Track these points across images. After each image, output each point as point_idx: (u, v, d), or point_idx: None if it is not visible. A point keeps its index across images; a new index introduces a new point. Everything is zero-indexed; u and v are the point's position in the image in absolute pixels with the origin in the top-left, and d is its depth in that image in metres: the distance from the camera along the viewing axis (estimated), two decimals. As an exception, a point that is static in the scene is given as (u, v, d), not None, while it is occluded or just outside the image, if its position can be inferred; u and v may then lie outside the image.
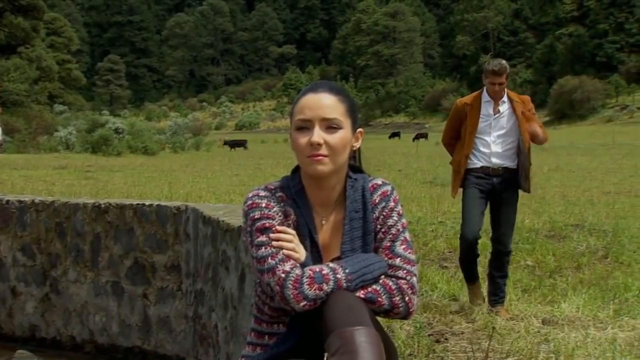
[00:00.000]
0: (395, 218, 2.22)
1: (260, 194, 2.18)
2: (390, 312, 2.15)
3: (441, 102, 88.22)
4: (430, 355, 3.84)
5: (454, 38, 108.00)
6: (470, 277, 5.17)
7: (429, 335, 4.23)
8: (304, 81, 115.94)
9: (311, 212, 2.20)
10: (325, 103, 2.12)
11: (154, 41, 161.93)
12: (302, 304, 2.04)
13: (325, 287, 2.05)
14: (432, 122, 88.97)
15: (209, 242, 5.09)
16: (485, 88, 5.17)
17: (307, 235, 2.18)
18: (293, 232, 2.14)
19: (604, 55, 79.84)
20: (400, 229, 2.22)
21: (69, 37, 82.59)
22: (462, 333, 4.39)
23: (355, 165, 2.29)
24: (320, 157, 2.08)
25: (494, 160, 5.07)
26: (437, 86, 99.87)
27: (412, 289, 2.16)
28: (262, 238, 2.12)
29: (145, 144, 34.41)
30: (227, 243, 4.58)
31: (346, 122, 2.14)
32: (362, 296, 2.10)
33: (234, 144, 44.94)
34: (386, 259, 2.18)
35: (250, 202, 2.17)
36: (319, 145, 2.08)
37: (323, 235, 2.21)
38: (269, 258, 2.09)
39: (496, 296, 5.11)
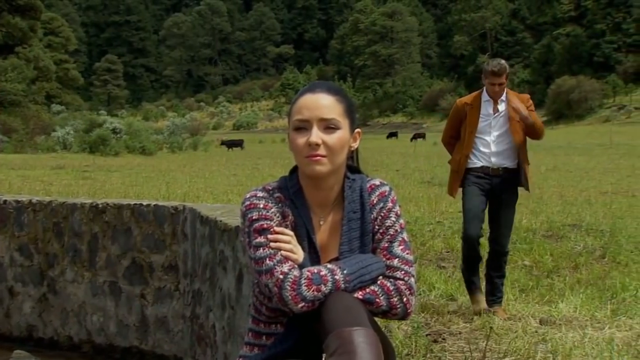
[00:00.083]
0: (393, 219, 2.22)
1: (258, 195, 2.17)
2: (388, 313, 2.15)
3: (439, 102, 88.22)
4: (428, 355, 3.84)
5: (451, 38, 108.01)
6: (472, 285, 5.10)
7: (426, 335, 4.23)
8: (301, 81, 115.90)
9: (309, 212, 2.20)
10: (323, 103, 2.12)
11: (152, 41, 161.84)
12: (300, 305, 2.04)
13: (323, 288, 2.04)
14: (429, 122, 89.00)
15: (206, 242, 5.09)
16: (485, 88, 5.16)
17: (305, 236, 2.17)
18: (291, 233, 2.14)
19: (602, 55, 79.89)
20: (398, 230, 2.22)
21: (66, 37, 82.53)
22: (460, 333, 4.39)
23: (353, 166, 2.29)
24: (318, 158, 2.08)
25: (494, 160, 5.05)
26: (434, 86, 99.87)
27: (410, 290, 2.16)
28: (260, 239, 2.11)
29: (142, 144, 34.40)
30: (224, 243, 4.58)
31: (344, 123, 2.14)
32: (360, 297, 2.09)
33: (231, 144, 44.95)
34: (384, 259, 2.18)
35: (248, 202, 2.17)
36: (317, 145, 2.07)
37: (321, 235, 2.21)
38: (267, 259, 2.09)
39: (494, 296, 5.11)
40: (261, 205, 2.15)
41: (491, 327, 4.37)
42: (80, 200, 6.51)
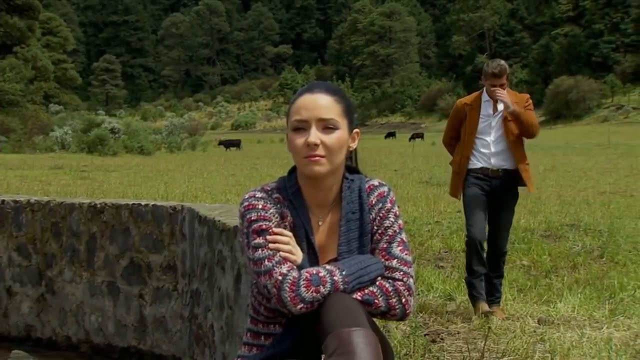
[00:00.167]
0: (392, 219, 2.22)
1: (257, 196, 2.17)
2: (387, 314, 2.15)
3: (437, 102, 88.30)
4: (426, 355, 3.85)
5: (450, 38, 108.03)
6: (476, 297, 4.93)
7: (425, 335, 4.24)
8: (300, 81, 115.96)
9: (307, 213, 2.19)
10: (321, 103, 2.12)
11: (150, 41, 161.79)
12: (299, 306, 2.04)
13: (322, 289, 2.04)
14: (428, 122, 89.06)
15: (205, 242, 5.09)
16: (485, 88, 5.13)
17: (304, 237, 2.17)
18: (290, 234, 2.14)
19: (600, 55, 79.96)
20: (397, 230, 2.21)
21: (64, 36, 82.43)
22: (458, 333, 4.39)
23: (351, 166, 2.28)
24: (317, 158, 2.08)
25: (493, 161, 5.01)
26: (433, 86, 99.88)
27: (408, 291, 2.16)
28: (259, 240, 2.11)
29: (141, 144, 34.36)
30: (223, 243, 4.58)
31: (343, 123, 2.14)
32: (359, 298, 2.09)
33: (228, 144, 44.94)
34: (383, 260, 2.18)
35: (246, 203, 2.17)
36: (316, 145, 2.07)
37: (319, 236, 2.21)
38: (266, 260, 2.09)
39: (492, 296, 5.10)
40: (260, 206, 2.14)
41: (489, 327, 4.37)
42: (78, 200, 6.51)
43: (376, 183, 2.26)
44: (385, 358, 1.99)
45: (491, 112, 5.07)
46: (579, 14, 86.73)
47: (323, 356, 1.94)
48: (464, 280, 5.38)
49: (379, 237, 2.21)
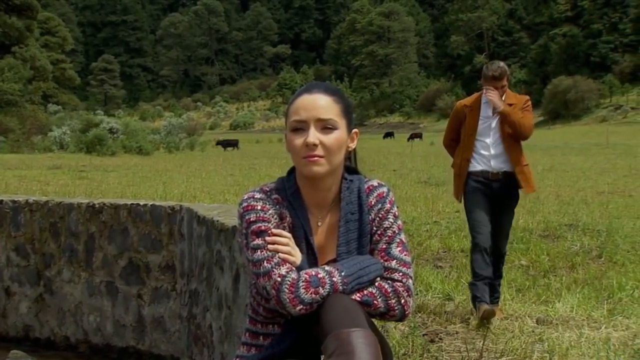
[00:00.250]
0: (391, 220, 2.22)
1: (256, 196, 2.17)
2: (386, 315, 2.15)
3: (436, 102, 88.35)
4: (425, 355, 3.85)
5: (448, 38, 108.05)
6: (479, 297, 4.79)
7: (423, 335, 4.24)
8: (298, 81, 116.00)
9: (306, 213, 2.19)
10: (320, 104, 2.11)
11: (148, 41, 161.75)
12: (298, 308, 2.03)
13: (321, 290, 2.04)
14: (426, 122, 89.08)
15: (203, 242, 5.09)
16: (484, 90, 5.09)
17: (303, 238, 2.17)
18: (289, 235, 2.13)
19: (598, 55, 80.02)
20: (396, 231, 2.21)
21: (63, 36, 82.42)
22: (457, 333, 4.40)
23: (350, 166, 2.28)
24: (316, 158, 2.08)
25: (493, 163, 4.96)
26: (431, 86, 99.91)
27: (408, 292, 2.16)
28: (258, 241, 2.11)
29: (139, 144, 34.34)
30: (221, 243, 4.58)
31: (341, 123, 2.14)
32: (358, 299, 2.09)
33: (226, 144, 44.94)
34: (382, 261, 2.18)
35: (245, 204, 2.16)
36: (315, 145, 2.07)
37: (318, 237, 2.21)
38: (265, 261, 2.09)
39: (491, 296, 5.09)
40: (259, 207, 2.14)
41: (488, 327, 4.37)
42: (77, 200, 6.50)
43: (375, 183, 2.25)
44: (384, 358, 1.99)
45: (491, 113, 5.03)
46: (578, 14, 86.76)
47: (322, 356, 1.94)
48: (463, 281, 5.38)
49: (378, 238, 2.21)
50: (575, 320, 4.66)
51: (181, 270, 5.71)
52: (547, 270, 6.63)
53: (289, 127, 2.14)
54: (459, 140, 5.19)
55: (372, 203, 2.22)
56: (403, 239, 2.22)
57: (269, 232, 2.11)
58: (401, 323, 4.22)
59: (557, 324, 4.56)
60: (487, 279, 4.83)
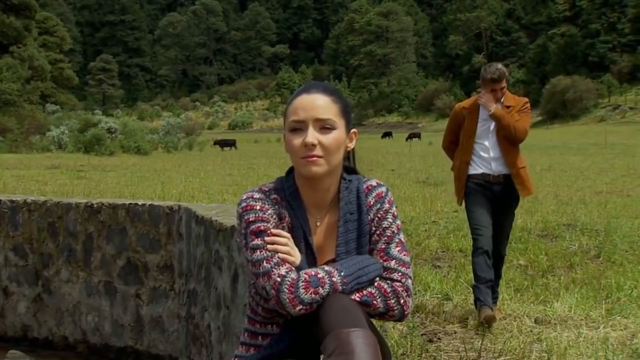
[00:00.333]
0: (390, 220, 2.22)
1: (255, 196, 2.17)
2: (385, 315, 2.15)
3: (434, 102, 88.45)
4: (423, 355, 3.85)
5: (446, 38, 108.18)
6: (482, 299, 4.70)
7: (422, 334, 4.24)
8: (297, 81, 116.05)
9: (305, 214, 2.19)
10: (318, 104, 2.11)
11: (147, 41, 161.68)
12: (298, 308, 2.03)
13: (321, 290, 2.04)
14: (425, 121, 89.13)
15: (201, 242, 5.08)
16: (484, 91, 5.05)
17: (302, 238, 2.17)
18: (288, 235, 2.13)
19: (596, 55, 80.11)
20: (395, 231, 2.21)
21: (61, 36, 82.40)
22: (455, 332, 4.40)
23: (349, 166, 2.28)
24: (315, 159, 2.08)
25: (494, 166, 4.92)
26: (430, 86, 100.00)
27: (407, 292, 2.16)
28: (257, 241, 2.11)
29: (138, 144, 34.33)
30: (220, 243, 4.57)
31: (340, 123, 2.14)
32: (358, 299, 2.09)
33: (223, 144, 44.96)
34: (381, 261, 2.18)
35: (244, 204, 2.16)
36: (313, 145, 2.07)
37: (317, 237, 2.21)
38: (264, 262, 2.09)
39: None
40: (258, 207, 2.14)
41: (486, 327, 4.37)
42: (75, 200, 6.50)
43: (374, 183, 2.25)
44: (383, 358, 1.99)
45: (488, 116, 5.01)
46: (576, 13, 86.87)
47: (322, 356, 1.94)
48: (461, 280, 5.37)
49: (377, 238, 2.21)
50: (574, 320, 4.66)
51: (179, 270, 5.71)
52: (545, 270, 6.63)
53: (288, 127, 2.14)
54: (458, 142, 5.16)
55: (371, 203, 2.22)
56: (402, 239, 2.22)
57: (268, 232, 2.11)
58: (400, 323, 4.22)
59: (555, 323, 4.56)
60: (489, 281, 4.80)
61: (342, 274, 2.08)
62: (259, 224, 2.12)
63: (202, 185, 15.56)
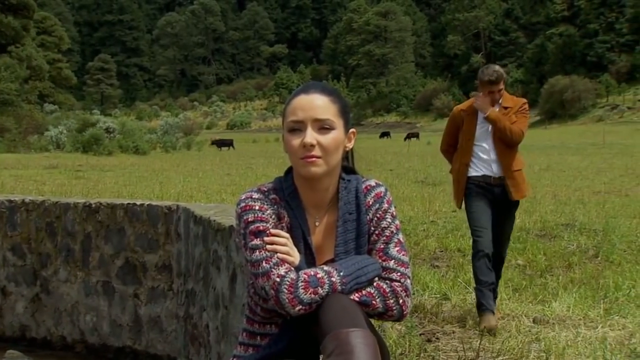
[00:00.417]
0: (389, 220, 2.21)
1: (254, 196, 2.16)
2: (384, 315, 2.15)
3: (432, 102, 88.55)
4: (422, 355, 3.85)
5: (445, 37, 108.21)
6: (485, 304, 4.65)
7: (420, 334, 4.24)
8: (295, 81, 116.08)
9: (304, 214, 2.19)
10: (317, 104, 2.11)
11: (145, 40, 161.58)
12: (297, 308, 2.03)
13: (320, 290, 2.04)
14: (423, 121, 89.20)
15: (200, 242, 5.08)
16: (481, 94, 5.03)
17: (301, 238, 2.17)
18: (287, 235, 2.13)
19: (595, 55, 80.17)
20: (394, 231, 2.21)
21: (59, 36, 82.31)
22: (453, 332, 4.40)
23: (348, 166, 2.28)
24: (313, 159, 2.08)
25: (495, 168, 4.88)
26: (428, 86, 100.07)
27: (406, 292, 2.16)
28: (256, 241, 2.10)
29: (136, 144, 34.33)
30: (218, 243, 4.57)
31: (338, 123, 2.13)
32: (357, 299, 2.09)
33: (221, 144, 44.98)
34: (380, 261, 2.18)
35: (243, 204, 2.16)
36: (312, 146, 2.07)
37: (316, 237, 2.21)
38: (264, 262, 2.08)
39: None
40: (257, 207, 2.14)
41: (485, 327, 4.37)
42: (73, 200, 6.49)
43: (373, 183, 2.25)
44: (382, 358, 1.99)
45: None
46: (574, 13, 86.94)
47: (321, 356, 1.94)
48: (459, 280, 5.36)
49: (376, 238, 2.20)
50: (572, 320, 4.66)
51: (178, 270, 5.71)
52: (543, 270, 6.63)
53: (286, 128, 2.14)
54: (456, 145, 5.11)
55: (370, 203, 2.22)
56: (401, 239, 2.22)
57: (267, 232, 2.11)
58: (398, 323, 4.22)
59: (553, 323, 4.56)
60: (492, 284, 4.77)
61: (341, 274, 2.08)
62: (258, 224, 2.12)
63: (200, 185, 15.56)
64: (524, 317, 4.77)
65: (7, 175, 17.09)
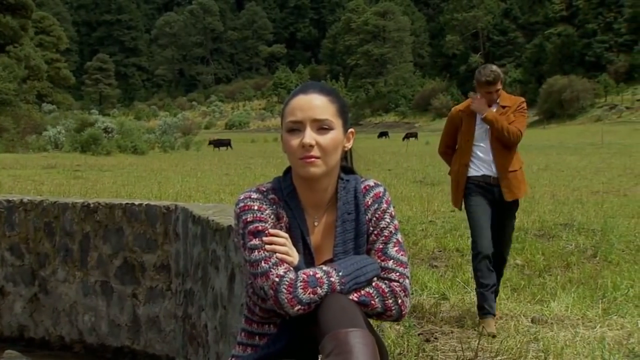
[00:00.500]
0: (388, 220, 2.21)
1: (253, 196, 2.16)
2: (383, 315, 2.15)
3: (431, 102, 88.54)
4: (420, 355, 3.85)
5: (443, 37, 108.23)
6: (487, 307, 4.62)
7: (418, 334, 4.24)
8: (293, 80, 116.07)
9: (303, 214, 2.19)
10: (316, 104, 2.11)
11: (144, 40, 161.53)
12: (296, 308, 2.03)
13: (319, 290, 2.04)
14: (422, 121, 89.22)
15: (198, 242, 5.08)
16: (479, 95, 5.03)
17: (300, 238, 2.16)
18: (286, 235, 2.13)
19: (593, 54, 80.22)
20: (393, 231, 2.21)
21: (57, 36, 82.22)
22: (452, 332, 4.40)
23: (347, 166, 2.28)
24: (312, 159, 2.07)
25: (494, 167, 4.86)
26: (426, 85, 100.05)
27: (404, 292, 2.16)
28: (255, 241, 2.10)
29: (134, 144, 34.31)
30: (216, 242, 4.57)
31: (337, 123, 2.13)
32: (356, 299, 2.09)
33: (218, 144, 44.97)
34: (379, 261, 2.18)
35: (242, 204, 2.15)
36: (311, 146, 2.06)
37: (315, 237, 2.20)
38: (262, 262, 2.08)
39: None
40: (256, 207, 2.13)
41: (483, 327, 4.38)
42: (71, 200, 6.49)
43: (372, 183, 2.25)
44: (380, 358, 1.99)
45: None
46: (572, 13, 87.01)
47: (320, 356, 1.94)
48: (458, 280, 5.36)
49: (375, 238, 2.20)
50: (570, 320, 4.66)
51: (176, 269, 5.71)
52: (542, 270, 6.63)
53: (285, 128, 2.14)
54: (455, 147, 5.10)
55: (369, 203, 2.22)
56: (400, 239, 2.22)
57: (266, 232, 2.11)
58: (397, 323, 4.21)
59: (552, 323, 4.57)
60: (493, 286, 4.74)
61: (340, 274, 2.07)
62: (257, 224, 2.11)
63: (199, 185, 15.56)
64: (522, 317, 4.77)
65: (6, 175, 17.08)
